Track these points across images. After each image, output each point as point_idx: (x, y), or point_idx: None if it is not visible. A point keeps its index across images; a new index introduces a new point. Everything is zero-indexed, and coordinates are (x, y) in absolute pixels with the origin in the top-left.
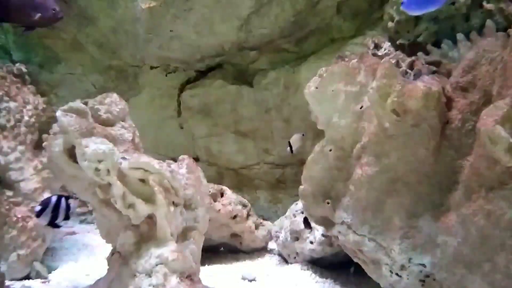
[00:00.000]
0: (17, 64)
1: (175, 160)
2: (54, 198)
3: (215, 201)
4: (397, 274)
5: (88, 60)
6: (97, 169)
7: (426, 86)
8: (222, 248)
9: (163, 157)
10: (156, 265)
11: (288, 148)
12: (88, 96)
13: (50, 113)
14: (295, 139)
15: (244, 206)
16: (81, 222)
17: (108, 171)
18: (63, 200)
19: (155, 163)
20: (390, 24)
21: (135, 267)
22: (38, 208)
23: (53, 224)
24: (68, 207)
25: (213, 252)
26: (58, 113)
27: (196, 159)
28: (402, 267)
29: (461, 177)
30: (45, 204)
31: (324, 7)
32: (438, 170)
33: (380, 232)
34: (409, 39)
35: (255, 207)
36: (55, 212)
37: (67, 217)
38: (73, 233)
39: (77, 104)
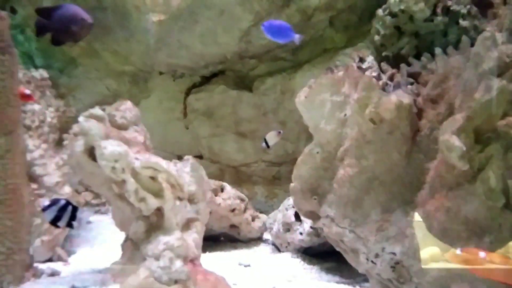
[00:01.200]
0: (40, 70)
1: (180, 158)
2: (63, 201)
3: (216, 195)
4: (372, 261)
5: (103, 65)
6: (113, 168)
7: (398, 99)
8: (222, 238)
9: (170, 155)
10: (164, 250)
11: (264, 143)
12: (103, 98)
13: (69, 114)
14: (271, 136)
15: (242, 200)
16: (96, 212)
17: (123, 169)
18: (70, 207)
19: (164, 163)
20: (376, 37)
21: (145, 252)
22: (46, 203)
23: (54, 223)
24: (73, 216)
25: (214, 241)
26: (81, 118)
27: (200, 157)
28: (377, 255)
29: (427, 178)
30: (54, 202)
31: (318, 20)
32: (409, 171)
33: (359, 225)
34: (393, 51)
35: (253, 201)
36: (61, 213)
37: (70, 225)
38: (89, 222)
39: (96, 110)
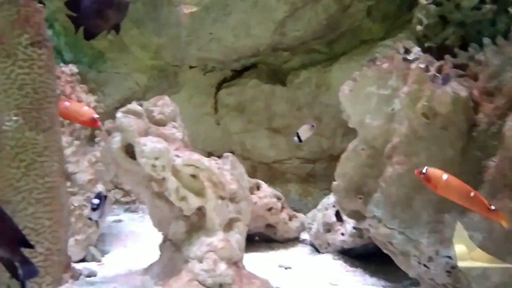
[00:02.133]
0: (70, 65)
1: (211, 154)
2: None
3: (251, 194)
4: (425, 265)
5: (132, 60)
6: (153, 166)
7: (455, 92)
8: (257, 238)
9: (200, 151)
10: (207, 252)
11: (296, 138)
12: (132, 93)
13: (98, 109)
14: (304, 130)
15: (279, 199)
16: (126, 210)
17: (164, 167)
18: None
19: (205, 161)
20: (418, 27)
21: (188, 254)
22: (96, 202)
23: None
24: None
25: (249, 241)
26: (119, 115)
27: (231, 153)
28: (430, 259)
29: (486, 177)
30: (99, 199)
31: (355, 10)
32: (465, 169)
33: (409, 226)
34: (437, 42)
35: (286, 200)
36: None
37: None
38: (120, 220)
39: (134, 106)
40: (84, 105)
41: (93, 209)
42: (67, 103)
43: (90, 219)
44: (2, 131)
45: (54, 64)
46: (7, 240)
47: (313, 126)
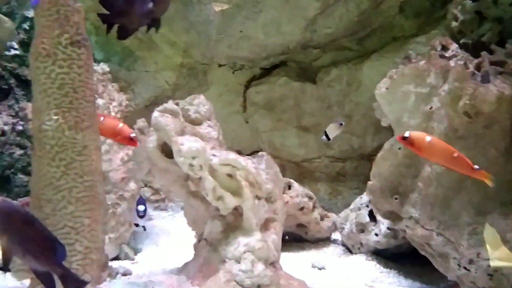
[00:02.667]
0: (101, 64)
1: (240, 153)
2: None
3: (283, 193)
4: (465, 268)
5: (162, 58)
6: (191, 165)
7: (499, 90)
8: (287, 237)
9: (229, 150)
10: (244, 252)
11: (324, 136)
12: (162, 92)
13: (129, 108)
14: (332, 128)
15: (310, 198)
16: (155, 209)
17: (201, 166)
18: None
19: (242, 160)
20: (453, 23)
21: (225, 254)
22: (142, 208)
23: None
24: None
25: None
26: (155, 114)
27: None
28: (470, 262)
29: None
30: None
31: (387, 6)
32: (508, 169)
33: (448, 227)
34: (473, 39)
35: (316, 198)
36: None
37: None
38: (150, 218)
39: (171, 105)
40: (120, 122)
41: (141, 217)
42: (102, 118)
43: (136, 225)
44: (42, 130)
45: (93, 63)
46: (45, 253)
47: (341, 124)
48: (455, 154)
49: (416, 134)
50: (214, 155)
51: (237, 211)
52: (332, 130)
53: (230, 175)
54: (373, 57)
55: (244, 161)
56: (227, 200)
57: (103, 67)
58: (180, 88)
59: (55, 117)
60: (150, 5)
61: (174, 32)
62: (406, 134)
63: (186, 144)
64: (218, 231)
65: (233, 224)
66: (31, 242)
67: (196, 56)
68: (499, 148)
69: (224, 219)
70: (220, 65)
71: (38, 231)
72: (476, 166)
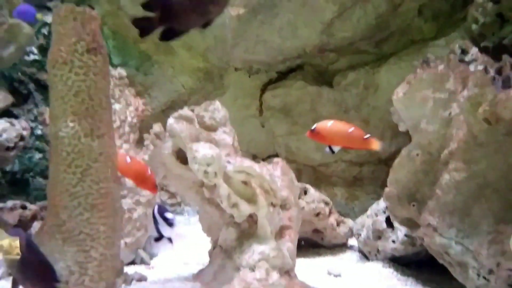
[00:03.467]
0: (118, 68)
1: (256, 157)
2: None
3: (299, 198)
4: (484, 277)
5: (178, 62)
6: (205, 172)
7: None
8: (302, 242)
9: (245, 154)
10: (259, 260)
11: (328, 149)
12: (178, 96)
13: (146, 112)
14: None
15: (326, 204)
16: (171, 213)
17: (216, 173)
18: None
19: (257, 167)
20: (474, 26)
21: (239, 262)
22: (171, 216)
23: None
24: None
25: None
26: (171, 120)
27: (276, 156)
28: (490, 271)
29: None
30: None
31: (406, 9)
32: None
33: (467, 236)
34: (494, 42)
35: (332, 203)
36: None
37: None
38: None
39: (186, 111)
40: (146, 168)
41: (170, 224)
42: (128, 159)
43: (159, 238)
44: (59, 137)
45: (109, 70)
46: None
47: None
48: (351, 129)
49: (319, 124)
50: (229, 162)
51: (252, 219)
52: None
53: (245, 182)
54: (391, 60)
55: (259, 168)
56: (242, 207)
57: (120, 71)
58: (196, 92)
59: (72, 124)
60: (212, 6)
61: (191, 36)
62: (313, 127)
63: (201, 151)
64: (233, 238)
65: (248, 231)
66: (29, 270)
67: (213, 60)
68: None
69: (238, 226)
70: (236, 69)
71: (36, 260)
72: (367, 135)
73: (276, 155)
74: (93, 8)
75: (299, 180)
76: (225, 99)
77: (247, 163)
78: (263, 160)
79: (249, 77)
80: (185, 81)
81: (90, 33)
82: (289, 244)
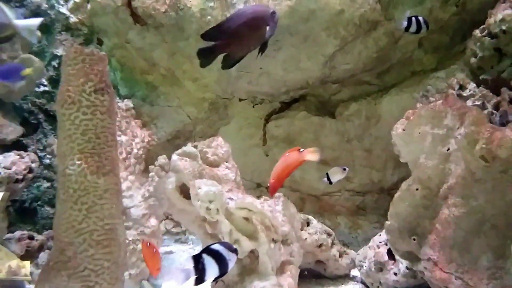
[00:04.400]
0: (125, 100)
1: (260, 186)
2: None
3: (301, 230)
4: None
5: (184, 93)
6: (208, 209)
7: None
8: (305, 273)
9: (249, 182)
10: None
11: (326, 179)
12: (183, 126)
13: (152, 143)
14: (334, 171)
15: (329, 235)
16: (176, 241)
17: (217, 210)
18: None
19: (258, 204)
20: (472, 59)
21: None
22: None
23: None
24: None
25: (298, 277)
26: (174, 157)
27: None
28: None
29: None
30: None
31: (406, 42)
32: None
33: (467, 271)
34: (492, 75)
35: (335, 232)
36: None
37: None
38: (170, 252)
39: (189, 148)
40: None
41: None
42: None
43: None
44: (66, 175)
45: (116, 109)
46: None
47: (344, 169)
48: (287, 153)
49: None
50: (231, 198)
51: (254, 254)
52: (335, 174)
53: (246, 219)
54: (392, 91)
55: (260, 204)
56: (243, 243)
57: (127, 103)
58: (201, 122)
59: (78, 162)
60: (265, 30)
61: (196, 68)
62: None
63: (204, 188)
64: (235, 273)
65: (250, 267)
66: None
67: (217, 91)
68: None
69: (240, 262)
70: (240, 100)
71: None
72: (301, 150)
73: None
74: (102, 42)
75: (303, 209)
76: (230, 128)
77: (249, 199)
78: (267, 188)
79: (253, 107)
80: (190, 112)
81: (98, 74)
82: (290, 280)
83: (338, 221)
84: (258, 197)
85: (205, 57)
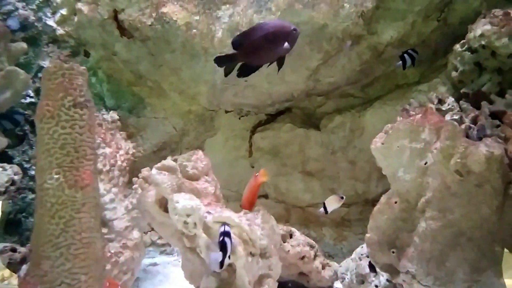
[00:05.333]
0: (111, 112)
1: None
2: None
3: (284, 242)
4: None
5: (170, 105)
6: (185, 222)
7: (488, 150)
8: (289, 285)
9: (235, 194)
10: None
11: (322, 209)
12: (169, 137)
13: (137, 154)
14: (330, 201)
15: (312, 247)
16: (161, 253)
17: (195, 224)
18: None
19: (235, 217)
20: (453, 73)
21: None
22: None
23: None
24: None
25: None
26: (154, 171)
27: (265, 197)
28: None
29: None
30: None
31: (389, 55)
32: (501, 228)
33: (444, 284)
34: (473, 88)
35: (321, 243)
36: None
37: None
38: (155, 264)
39: (169, 162)
40: None
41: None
42: None
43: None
44: (44, 189)
45: (95, 123)
46: None
47: (342, 198)
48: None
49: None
50: (209, 212)
51: (232, 268)
52: (332, 203)
53: None
54: (376, 104)
55: (238, 218)
56: None
57: (112, 115)
58: (187, 133)
59: (56, 176)
60: (284, 45)
61: (182, 80)
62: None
63: (181, 202)
64: (213, 287)
65: (227, 281)
66: None
67: (203, 103)
68: (491, 207)
69: (218, 275)
70: (226, 111)
71: None
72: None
73: (266, 196)
74: (89, 54)
75: (288, 220)
76: (216, 140)
77: (226, 213)
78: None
79: (239, 119)
80: (176, 123)
81: (77, 88)
82: None
83: (323, 232)
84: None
85: (225, 64)
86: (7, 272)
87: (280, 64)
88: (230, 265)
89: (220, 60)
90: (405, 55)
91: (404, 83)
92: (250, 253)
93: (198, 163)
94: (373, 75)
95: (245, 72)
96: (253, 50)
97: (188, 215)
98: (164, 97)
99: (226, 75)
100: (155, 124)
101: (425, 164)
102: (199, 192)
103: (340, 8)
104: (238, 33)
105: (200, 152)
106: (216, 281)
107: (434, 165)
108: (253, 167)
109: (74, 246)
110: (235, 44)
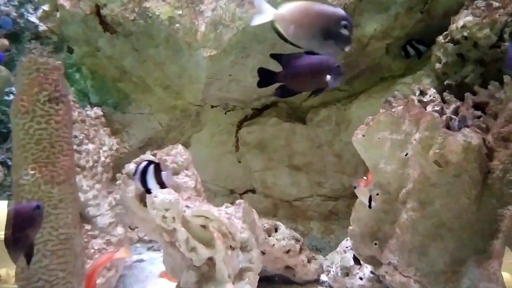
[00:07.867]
0: (95, 108)
1: (233, 192)
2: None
3: (269, 236)
4: None
5: (155, 100)
6: (164, 217)
7: (466, 140)
8: (276, 278)
9: (222, 189)
10: None
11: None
12: (155, 133)
13: (122, 150)
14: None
15: (297, 240)
16: (148, 249)
17: (174, 218)
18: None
19: (215, 211)
20: (437, 65)
21: None
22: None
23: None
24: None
25: (268, 282)
26: (132, 165)
27: (252, 191)
28: None
29: (501, 226)
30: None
31: (374, 48)
32: (480, 218)
33: (425, 275)
34: (456, 80)
35: (308, 237)
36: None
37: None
38: (141, 260)
39: (148, 156)
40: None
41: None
42: None
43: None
44: (19, 185)
45: (71, 117)
46: None
47: None
48: None
49: None
50: (187, 206)
51: (211, 262)
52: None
53: (203, 226)
54: (361, 97)
55: (217, 212)
56: (200, 251)
57: (96, 111)
58: (173, 129)
59: (32, 172)
60: (326, 78)
61: (167, 76)
62: None
63: (160, 196)
64: (193, 281)
65: (207, 274)
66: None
67: (189, 98)
68: (470, 197)
69: (198, 269)
70: (212, 106)
71: None
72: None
73: (253, 190)
74: (72, 50)
75: (276, 214)
76: (202, 135)
77: (205, 207)
78: (241, 195)
79: (225, 114)
80: (162, 119)
81: (53, 83)
82: (247, 286)
83: (311, 226)
84: (232, 203)
85: (266, 79)
86: (3, 271)
87: (316, 94)
88: (210, 259)
89: (263, 73)
90: (408, 46)
91: (389, 76)
92: (230, 246)
93: (178, 157)
94: (358, 68)
95: (282, 93)
96: (297, 76)
97: (166, 210)
98: (149, 93)
99: (259, 87)
100: (141, 120)
101: (405, 155)
102: (179, 186)
103: (322, 1)
104: (288, 54)
105: (180, 147)
106: (196, 275)
107: (414, 156)
108: (240, 162)
109: (52, 242)
110: (275, 58)
